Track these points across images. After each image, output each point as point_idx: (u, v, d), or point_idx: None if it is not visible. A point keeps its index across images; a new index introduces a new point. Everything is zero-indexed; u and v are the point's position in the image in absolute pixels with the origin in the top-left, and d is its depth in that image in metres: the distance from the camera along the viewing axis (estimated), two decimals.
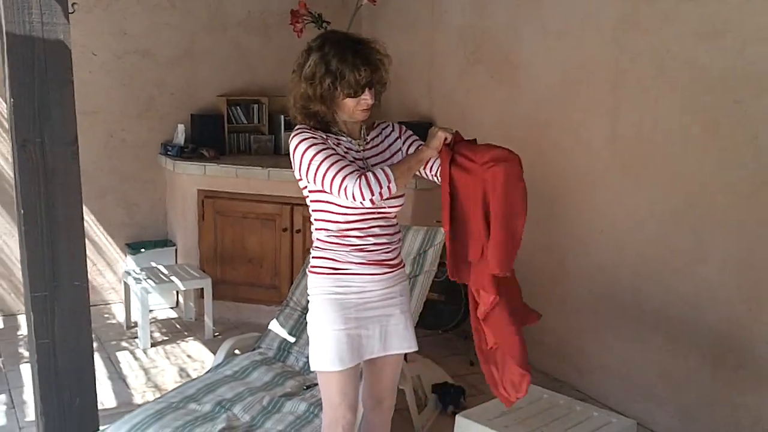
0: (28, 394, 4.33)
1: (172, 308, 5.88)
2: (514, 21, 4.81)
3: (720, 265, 3.65)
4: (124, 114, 5.73)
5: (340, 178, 2.48)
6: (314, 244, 2.72)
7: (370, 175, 2.50)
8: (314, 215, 2.68)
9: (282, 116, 5.92)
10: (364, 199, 2.48)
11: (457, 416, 3.13)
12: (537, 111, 4.69)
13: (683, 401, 3.87)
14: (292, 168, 2.63)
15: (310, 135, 2.58)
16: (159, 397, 3.26)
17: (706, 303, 3.72)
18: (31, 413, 4.09)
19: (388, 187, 2.51)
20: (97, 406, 3.40)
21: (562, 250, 4.56)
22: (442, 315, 4.91)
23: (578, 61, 4.36)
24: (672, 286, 3.88)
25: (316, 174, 2.52)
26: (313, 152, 2.53)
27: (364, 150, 2.69)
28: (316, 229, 2.70)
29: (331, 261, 2.66)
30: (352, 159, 2.62)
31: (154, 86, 5.79)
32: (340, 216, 2.60)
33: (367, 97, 2.59)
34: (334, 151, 2.54)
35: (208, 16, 5.92)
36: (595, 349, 4.38)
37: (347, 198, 2.49)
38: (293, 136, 2.59)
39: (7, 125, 5.39)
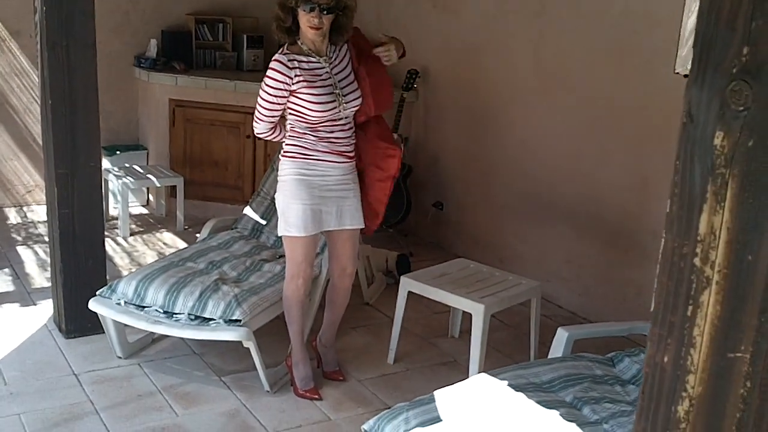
0: (29, 268, 4.99)
1: (143, 206, 6.52)
2: None
3: (617, 169, 4.51)
4: (99, 27, 6.15)
5: (257, 115, 3.46)
6: (288, 134, 3.45)
7: (270, 131, 3.50)
8: (291, 113, 3.38)
9: (244, 35, 6.49)
10: (254, 133, 3.57)
11: (401, 277, 3.94)
12: (473, 37, 5.44)
13: (584, 281, 4.78)
14: (254, 81, 3.34)
15: (275, 71, 3.29)
16: (161, 258, 3.99)
17: (606, 200, 4.60)
18: (36, 282, 4.76)
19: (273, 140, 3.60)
20: (105, 267, 4.11)
21: (492, 158, 5.38)
22: (386, 213, 5.68)
23: None
24: (580, 186, 4.75)
25: (258, 98, 3.39)
26: (264, 87, 3.34)
27: (330, 67, 3.37)
28: (291, 123, 3.42)
29: (301, 148, 3.40)
30: (322, 77, 3.31)
31: (129, 2, 6.31)
32: (314, 116, 3.31)
33: (312, 16, 3.21)
34: (273, 94, 3.31)
35: None
36: (515, 241, 5.25)
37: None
38: (270, 64, 3.34)
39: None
